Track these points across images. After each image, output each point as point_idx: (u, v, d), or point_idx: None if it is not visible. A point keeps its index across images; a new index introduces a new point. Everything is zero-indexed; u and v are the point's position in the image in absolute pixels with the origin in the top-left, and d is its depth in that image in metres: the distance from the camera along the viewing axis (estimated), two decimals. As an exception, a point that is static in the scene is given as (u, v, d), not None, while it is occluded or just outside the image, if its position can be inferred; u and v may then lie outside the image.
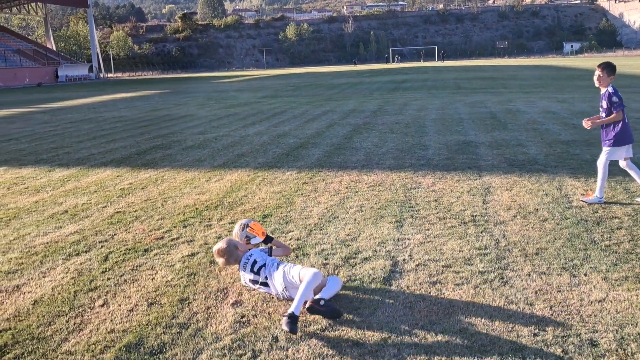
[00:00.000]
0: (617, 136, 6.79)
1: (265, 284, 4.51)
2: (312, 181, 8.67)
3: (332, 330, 3.95)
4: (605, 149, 6.91)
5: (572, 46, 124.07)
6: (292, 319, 3.91)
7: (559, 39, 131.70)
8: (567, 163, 9.20)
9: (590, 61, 70.26)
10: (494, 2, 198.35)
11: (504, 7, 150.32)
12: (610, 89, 6.77)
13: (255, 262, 4.61)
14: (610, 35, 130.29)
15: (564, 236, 5.73)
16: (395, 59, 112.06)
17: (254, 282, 4.57)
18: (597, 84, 6.90)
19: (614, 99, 6.69)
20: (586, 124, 7.02)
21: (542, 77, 35.44)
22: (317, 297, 4.16)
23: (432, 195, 7.54)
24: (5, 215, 7.36)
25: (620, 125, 6.77)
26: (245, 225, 5.01)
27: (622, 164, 7.06)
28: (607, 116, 6.81)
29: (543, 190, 7.53)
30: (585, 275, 4.76)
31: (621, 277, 4.69)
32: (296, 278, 4.31)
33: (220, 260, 4.78)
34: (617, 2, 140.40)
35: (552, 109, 17.08)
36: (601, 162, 6.89)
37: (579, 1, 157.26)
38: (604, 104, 6.82)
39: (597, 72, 6.80)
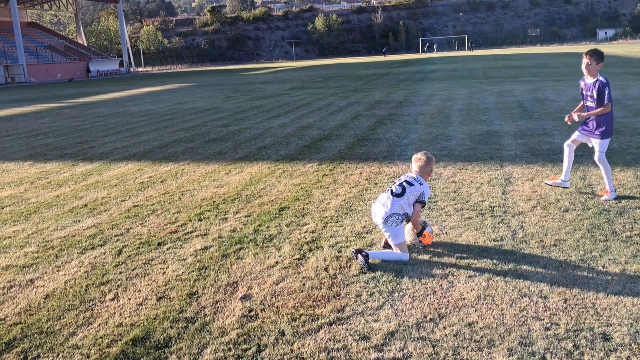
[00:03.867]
0: (608, 128, 6.51)
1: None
2: (332, 173, 8.61)
3: (338, 323, 3.91)
4: (599, 142, 6.57)
5: (606, 33, 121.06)
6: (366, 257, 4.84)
7: (592, 25, 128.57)
8: (593, 152, 8.94)
9: (625, 48, 68.62)
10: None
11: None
12: (602, 79, 6.37)
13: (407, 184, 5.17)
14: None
15: (584, 227, 5.58)
16: (427, 48, 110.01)
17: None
18: (585, 73, 6.48)
19: (607, 90, 6.33)
20: (571, 118, 6.61)
21: (574, 65, 34.66)
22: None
23: (452, 186, 7.42)
24: (26, 209, 7.48)
25: (610, 117, 6.50)
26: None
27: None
28: (596, 107, 6.44)
29: (566, 180, 7.34)
30: (603, 267, 4.63)
31: (641, 270, 4.55)
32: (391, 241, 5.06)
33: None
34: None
35: (582, 96, 16.70)
36: (602, 159, 6.58)
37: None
38: (594, 94, 6.41)
39: (586, 60, 6.38)
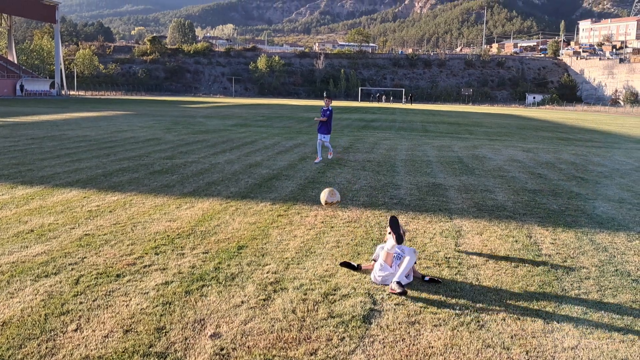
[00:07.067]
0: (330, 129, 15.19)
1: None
2: (287, 214, 8.65)
3: (313, 367, 3.91)
4: (328, 136, 15.20)
5: (534, 98, 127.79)
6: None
7: (522, 89, 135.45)
8: (534, 212, 9.40)
9: (553, 114, 72.56)
10: (461, 50, 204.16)
11: (470, 56, 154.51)
12: (330, 108, 15.15)
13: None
14: (571, 89, 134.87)
15: (536, 283, 5.84)
16: (378, 97, 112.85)
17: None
18: (325, 104, 15.18)
19: (330, 112, 15.02)
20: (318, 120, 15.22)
21: (506, 126, 36.38)
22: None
23: (406, 235, 7.59)
24: (-31, 230, 7.11)
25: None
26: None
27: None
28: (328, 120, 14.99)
29: (513, 237, 7.68)
30: (557, 322, 4.86)
31: (591, 326, 4.80)
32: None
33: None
34: (578, 58, 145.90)
35: (518, 157, 17.52)
36: (328, 144, 15.33)
37: (542, 55, 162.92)
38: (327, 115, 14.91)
39: (326, 101, 15.20)
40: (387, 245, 5.72)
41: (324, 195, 8.48)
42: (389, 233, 5.89)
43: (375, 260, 6.01)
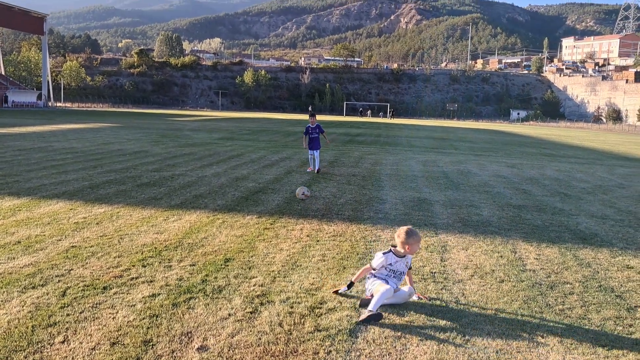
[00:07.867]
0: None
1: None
2: (273, 227, 8.68)
3: (300, 380, 3.94)
4: (319, 151, 16.04)
5: (518, 113, 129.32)
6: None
7: (506, 105, 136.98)
8: (519, 227, 9.50)
9: (536, 129, 73.28)
10: (446, 65, 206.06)
11: (455, 71, 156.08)
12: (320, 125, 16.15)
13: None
14: (554, 106, 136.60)
15: (521, 298, 5.90)
16: (365, 112, 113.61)
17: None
18: (311, 122, 16.01)
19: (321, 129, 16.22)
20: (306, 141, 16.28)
21: (491, 142, 36.71)
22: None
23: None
24: (-47, 242, 7.06)
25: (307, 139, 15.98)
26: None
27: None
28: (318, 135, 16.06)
29: (498, 252, 7.76)
30: (542, 337, 4.92)
31: (576, 342, 4.86)
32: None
33: None
34: (561, 75, 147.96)
35: (502, 173, 17.69)
36: (317, 156, 15.91)
37: (527, 72, 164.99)
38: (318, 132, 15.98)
39: (312, 119, 16.03)
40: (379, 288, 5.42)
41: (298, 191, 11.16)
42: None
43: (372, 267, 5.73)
